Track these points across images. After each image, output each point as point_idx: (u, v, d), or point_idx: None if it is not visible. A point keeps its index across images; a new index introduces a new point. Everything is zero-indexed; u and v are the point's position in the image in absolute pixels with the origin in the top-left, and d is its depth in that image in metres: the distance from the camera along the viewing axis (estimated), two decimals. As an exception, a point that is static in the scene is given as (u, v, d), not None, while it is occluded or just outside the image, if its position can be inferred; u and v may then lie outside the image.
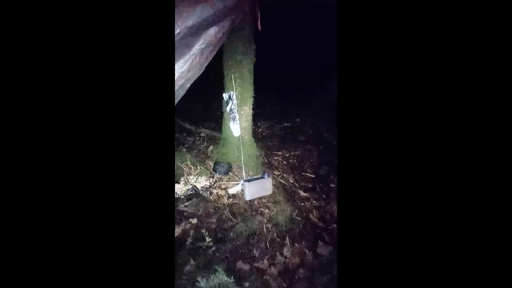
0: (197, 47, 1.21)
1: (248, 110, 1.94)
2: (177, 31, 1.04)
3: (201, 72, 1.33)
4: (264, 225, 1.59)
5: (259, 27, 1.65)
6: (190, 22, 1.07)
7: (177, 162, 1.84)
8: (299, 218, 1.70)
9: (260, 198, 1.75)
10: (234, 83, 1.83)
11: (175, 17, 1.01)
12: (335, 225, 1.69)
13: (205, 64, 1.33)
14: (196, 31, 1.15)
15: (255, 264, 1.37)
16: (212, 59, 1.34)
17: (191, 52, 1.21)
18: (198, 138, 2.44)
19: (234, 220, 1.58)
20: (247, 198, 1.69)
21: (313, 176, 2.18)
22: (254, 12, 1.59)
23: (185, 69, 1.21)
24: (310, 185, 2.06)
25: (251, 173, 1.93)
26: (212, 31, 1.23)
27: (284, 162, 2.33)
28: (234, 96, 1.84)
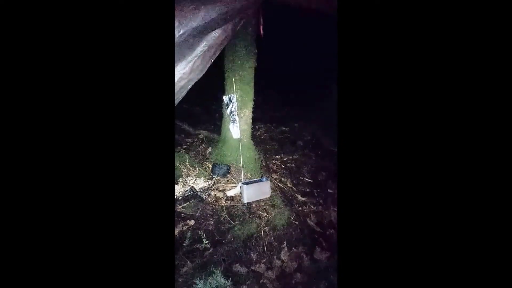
0: (200, 49, 1.23)
1: (248, 113, 1.95)
2: (181, 32, 1.05)
3: (202, 73, 1.34)
4: (262, 228, 1.58)
5: (261, 33, 1.68)
6: (194, 24, 1.09)
7: (176, 163, 1.83)
8: (296, 223, 1.69)
9: (258, 201, 1.75)
10: (235, 86, 1.84)
11: (180, 19, 1.02)
12: (332, 230, 1.69)
13: (207, 66, 1.34)
14: (199, 34, 1.16)
15: (252, 268, 1.35)
16: (213, 62, 1.36)
17: (194, 54, 1.22)
18: (196, 140, 2.44)
19: (231, 222, 1.57)
20: (245, 201, 1.69)
21: (311, 180, 2.18)
22: (257, 18, 1.62)
23: (187, 70, 1.22)
24: (308, 190, 2.06)
25: (249, 175, 1.93)
26: (215, 34, 1.25)
27: (282, 166, 2.33)
28: (235, 99, 1.86)
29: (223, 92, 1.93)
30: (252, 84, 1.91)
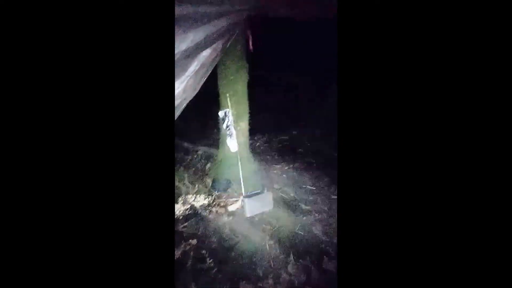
0: (192, 68, 1.25)
1: (244, 125, 1.97)
2: (171, 55, 1.08)
3: (195, 92, 1.37)
4: (267, 242, 1.55)
5: (251, 48, 1.72)
6: (183, 47, 1.11)
7: (175, 182, 1.82)
8: (302, 233, 1.66)
9: (261, 213, 1.72)
10: (229, 101, 1.86)
11: (169, 42, 1.05)
12: (338, 237, 1.66)
13: (200, 84, 1.36)
14: (190, 54, 1.19)
15: (260, 284, 1.32)
16: (206, 79, 1.38)
17: (186, 74, 1.25)
18: (195, 156, 2.44)
19: (235, 238, 1.54)
20: (248, 215, 1.66)
21: (314, 188, 2.16)
22: (245, 33, 1.67)
23: (181, 90, 1.24)
24: (311, 198, 2.04)
25: (250, 188, 1.91)
26: (205, 53, 1.28)
27: (284, 175, 2.32)
28: (230, 113, 1.88)
29: (218, 107, 1.95)
30: (246, 97, 1.94)
